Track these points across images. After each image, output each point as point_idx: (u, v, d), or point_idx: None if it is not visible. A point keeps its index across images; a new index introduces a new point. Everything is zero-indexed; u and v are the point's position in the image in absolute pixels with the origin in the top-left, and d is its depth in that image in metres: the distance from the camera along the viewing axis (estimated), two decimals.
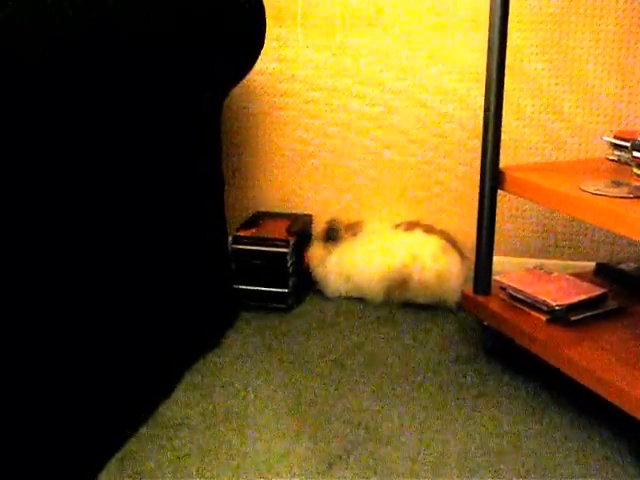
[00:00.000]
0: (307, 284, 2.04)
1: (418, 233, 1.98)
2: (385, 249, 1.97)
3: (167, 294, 1.54)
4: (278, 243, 1.91)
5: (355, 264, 1.99)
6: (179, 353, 1.60)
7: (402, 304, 1.97)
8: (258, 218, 2.08)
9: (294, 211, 2.19)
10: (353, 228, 2.04)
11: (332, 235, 2.01)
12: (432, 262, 1.94)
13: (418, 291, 1.95)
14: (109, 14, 1.27)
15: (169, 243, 1.53)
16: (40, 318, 1.24)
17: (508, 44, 1.60)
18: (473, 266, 1.94)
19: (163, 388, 1.54)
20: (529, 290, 1.64)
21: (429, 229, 2.00)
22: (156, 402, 1.50)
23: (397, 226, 2.02)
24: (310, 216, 2.14)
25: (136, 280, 1.45)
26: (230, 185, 2.16)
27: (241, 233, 1.95)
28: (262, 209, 2.20)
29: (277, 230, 1.97)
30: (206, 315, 1.69)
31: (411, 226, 2.01)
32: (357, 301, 2.00)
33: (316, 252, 2.03)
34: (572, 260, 2.10)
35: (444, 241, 1.97)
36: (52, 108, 1.21)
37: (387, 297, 1.99)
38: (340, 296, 2.03)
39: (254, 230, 1.97)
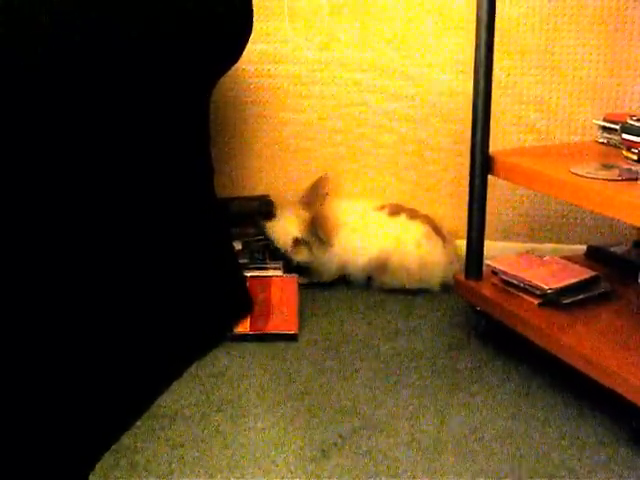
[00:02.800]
0: None
1: (402, 218, 1.99)
2: (369, 233, 1.98)
3: (166, 288, 1.53)
4: None
5: (342, 249, 1.99)
6: (181, 348, 1.60)
7: (390, 290, 1.98)
8: None
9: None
10: (318, 192, 2.01)
11: (320, 239, 1.99)
12: (414, 248, 1.95)
13: (400, 276, 1.97)
14: (99, 14, 1.26)
15: (165, 236, 1.53)
16: (38, 311, 1.24)
17: (495, 26, 1.59)
18: (457, 250, 1.98)
19: (163, 382, 1.53)
20: (521, 274, 1.64)
21: (413, 214, 2.01)
22: (155, 396, 1.49)
23: (381, 208, 2.02)
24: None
25: (133, 274, 1.44)
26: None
27: None
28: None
29: None
30: (212, 311, 1.68)
31: (396, 210, 2.01)
32: (348, 289, 2.00)
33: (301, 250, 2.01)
34: (563, 243, 2.10)
35: (427, 226, 1.98)
36: (44, 104, 1.21)
37: (370, 280, 2.01)
38: (331, 279, 2.03)
39: None
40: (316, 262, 2.00)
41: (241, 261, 1.94)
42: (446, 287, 1.96)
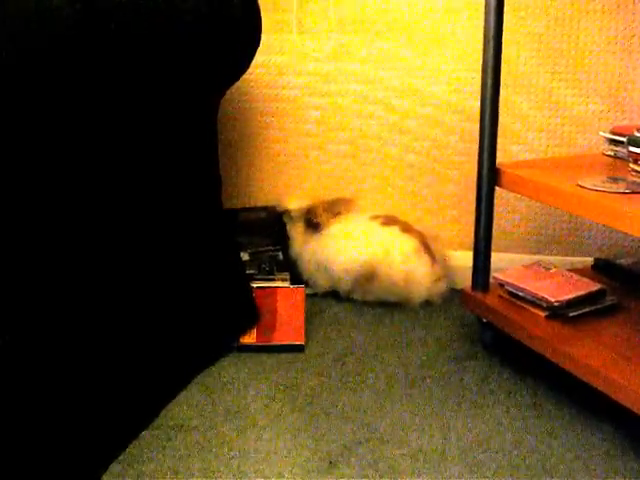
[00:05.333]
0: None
1: (394, 230, 1.98)
2: (359, 242, 1.97)
3: (172, 298, 1.53)
4: None
5: (330, 255, 1.99)
6: (188, 358, 1.60)
7: (369, 302, 1.98)
8: None
9: None
10: (334, 208, 2.03)
11: (312, 223, 2.02)
12: (402, 261, 1.94)
13: (384, 288, 1.96)
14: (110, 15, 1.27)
15: (171, 245, 1.53)
16: (47, 321, 1.24)
17: (502, 39, 1.60)
18: (447, 269, 2.00)
19: (170, 391, 1.53)
20: (528, 286, 1.64)
21: (406, 227, 1.99)
22: (162, 405, 1.50)
23: (375, 218, 2.01)
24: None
25: (140, 284, 1.45)
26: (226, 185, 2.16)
27: None
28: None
29: None
30: (218, 321, 1.68)
31: (389, 221, 2.00)
32: (353, 300, 2.00)
33: (298, 237, 2.05)
34: (570, 256, 2.10)
35: (418, 242, 1.96)
36: (48, 106, 1.22)
37: (355, 290, 1.99)
38: (325, 290, 2.02)
39: None
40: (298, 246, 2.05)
41: (248, 272, 1.94)
42: (451, 299, 1.96)
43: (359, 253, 1.96)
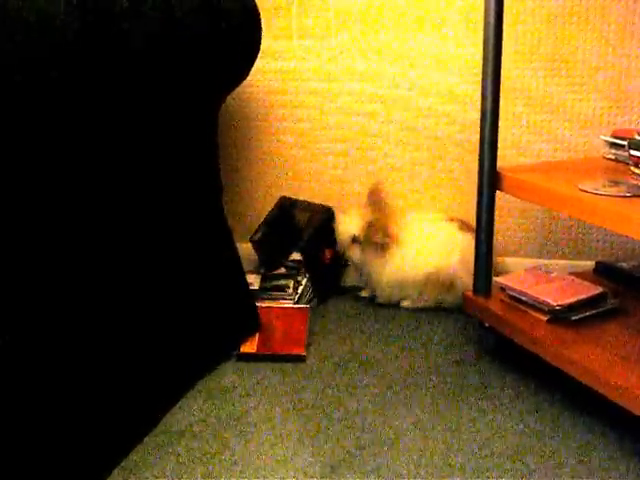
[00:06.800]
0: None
1: (469, 237, 1.91)
2: (441, 249, 1.93)
3: (173, 304, 1.53)
4: None
5: (409, 263, 1.94)
6: (189, 364, 1.60)
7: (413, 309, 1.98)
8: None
9: None
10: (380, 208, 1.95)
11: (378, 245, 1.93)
12: (470, 272, 1.83)
13: (449, 294, 1.94)
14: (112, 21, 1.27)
15: (172, 252, 1.53)
16: (47, 322, 1.24)
17: (502, 42, 1.60)
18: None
19: (171, 398, 1.53)
20: (529, 290, 1.64)
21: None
22: (164, 412, 1.49)
23: (452, 220, 1.97)
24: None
25: (142, 289, 1.45)
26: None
27: None
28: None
29: None
30: (218, 326, 1.68)
31: (464, 225, 1.96)
32: (359, 303, 2.01)
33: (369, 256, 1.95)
34: (571, 259, 2.10)
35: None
36: (49, 112, 1.22)
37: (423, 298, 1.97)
38: (391, 302, 1.99)
39: None
40: (368, 269, 1.97)
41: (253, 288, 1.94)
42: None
43: (441, 261, 1.93)
